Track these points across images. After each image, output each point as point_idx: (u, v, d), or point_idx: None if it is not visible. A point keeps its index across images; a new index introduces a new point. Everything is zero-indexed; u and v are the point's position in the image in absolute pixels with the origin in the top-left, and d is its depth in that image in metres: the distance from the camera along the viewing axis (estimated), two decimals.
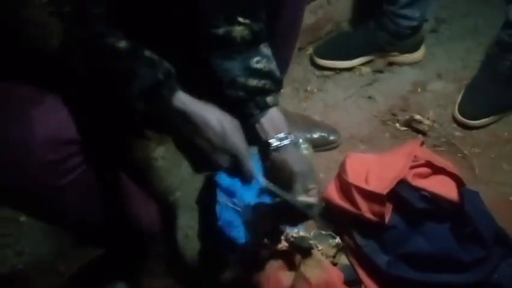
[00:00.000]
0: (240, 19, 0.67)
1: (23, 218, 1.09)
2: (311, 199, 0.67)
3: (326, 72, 1.30)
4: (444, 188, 0.88)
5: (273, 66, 0.71)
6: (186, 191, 1.09)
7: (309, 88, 1.27)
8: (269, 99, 0.69)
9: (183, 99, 0.56)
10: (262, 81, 0.68)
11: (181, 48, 0.69)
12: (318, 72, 1.31)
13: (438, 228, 0.86)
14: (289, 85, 1.27)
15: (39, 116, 0.54)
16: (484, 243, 0.82)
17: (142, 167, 1.10)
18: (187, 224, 1.04)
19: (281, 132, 0.69)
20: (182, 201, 1.09)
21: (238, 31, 0.68)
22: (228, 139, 0.57)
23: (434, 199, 0.87)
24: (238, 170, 0.60)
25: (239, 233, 0.88)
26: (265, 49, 0.70)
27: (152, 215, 0.88)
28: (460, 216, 0.85)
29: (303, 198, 0.66)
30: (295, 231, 0.85)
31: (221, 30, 0.67)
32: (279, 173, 0.68)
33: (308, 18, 1.29)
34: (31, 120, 0.54)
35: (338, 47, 1.30)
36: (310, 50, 1.33)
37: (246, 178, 0.61)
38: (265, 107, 0.69)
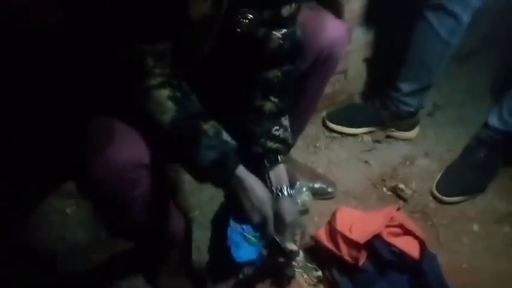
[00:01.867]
0: (272, 98, 0.94)
1: (68, 210, 1.32)
2: (294, 247, 0.93)
3: (334, 135, 1.56)
4: (410, 247, 1.10)
5: (287, 134, 0.96)
6: (203, 212, 1.33)
7: (318, 145, 1.53)
8: (279, 158, 0.94)
9: (242, 171, 0.83)
10: (277, 145, 0.94)
11: (227, 115, 0.95)
12: (327, 133, 1.56)
13: (399, 277, 1.09)
14: (302, 140, 1.52)
15: (127, 149, 0.78)
16: None
17: (173, 185, 1.34)
18: (200, 239, 1.26)
19: (282, 184, 0.94)
20: (199, 219, 1.32)
21: (268, 106, 0.94)
22: (264, 206, 0.85)
23: (400, 254, 1.08)
24: (263, 227, 0.87)
25: (243, 254, 1.06)
26: (285, 121, 0.96)
27: (179, 226, 1.11)
28: (418, 271, 1.07)
29: (289, 245, 0.92)
30: None
31: (257, 103, 0.94)
32: (275, 216, 0.92)
33: (327, 88, 1.53)
34: (119, 148, 0.78)
35: (348, 115, 1.56)
36: (324, 113, 1.58)
37: (267, 235, 0.88)
38: (275, 163, 0.94)
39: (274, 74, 0.92)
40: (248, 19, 0.82)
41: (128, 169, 0.77)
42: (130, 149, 0.78)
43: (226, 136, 0.82)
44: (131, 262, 1.20)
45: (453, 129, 1.58)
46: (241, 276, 1.13)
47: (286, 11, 0.86)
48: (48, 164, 1.19)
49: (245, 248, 1.03)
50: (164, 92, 0.75)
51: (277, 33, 0.88)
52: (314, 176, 1.37)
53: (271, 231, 0.88)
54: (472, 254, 1.22)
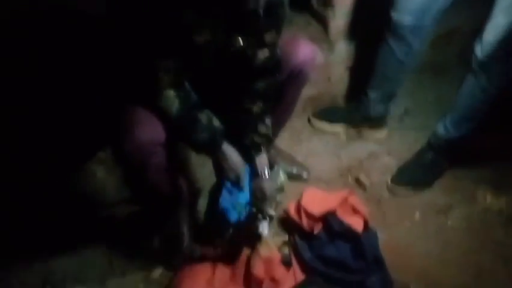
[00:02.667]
0: (258, 102, 1.26)
1: (99, 174, 1.67)
2: (272, 212, 1.26)
3: (316, 130, 1.88)
4: (356, 223, 1.42)
5: (269, 131, 1.29)
6: (204, 184, 1.64)
7: (301, 137, 1.85)
8: (262, 148, 1.27)
9: (225, 146, 1.18)
10: (261, 139, 1.27)
11: (223, 112, 1.27)
12: (310, 129, 1.88)
13: (344, 245, 1.41)
14: (288, 131, 1.83)
15: (147, 129, 1.12)
16: (366, 260, 1.38)
17: (182, 161, 1.68)
18: (200, 204, 1.60)
19: (264, 168, 1.27)
20: (201, 189, 1.66)
21: (255, 108, 1.26)
22: (238, 167, 1.20)
23: (347, 228, 1.42)
24: (237, 182, 1.21)
25: (230, 216, 1.34)
26: (268, 121, 1.28)
27: (183, 191, 1.45)
28: (358, 241, 1.41)
29: (269, 211, 1.26)
30: None
31: (246, 106, 1.26)
32: (258, 190, 1.26)
33: (313, 90, 1.86)
34: (143, 130, 1.12)
35: (329, 114, 1.87)
36: (309, 111, 1.90)
37: (240, 187, 1.22)
38: (258, 152, 1.27)
39: (260, 84, 1.24)
40: (238, 43, 1.14)
41: (149, 144, 1.13)
42: (150, 130, 1.12)
43: (215, 121, 1.17)
44: (146, 216, 1.55)
45: (416, 133, 1.85)
46: (226, 234, 1.48)
47: (269, 37, 1.17)
48: (87, 136, 1.55)
49: (232, 212, 1.32)
50: (171, 92, 1.09)
51: (262, 54, 1.19)
52: (293, 162, 1.70)
53: (243, 184, 1.24)
54: (409, 236, 1.54)
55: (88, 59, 1.36)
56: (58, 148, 1.53)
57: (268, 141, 1.31)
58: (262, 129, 1.27)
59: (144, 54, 1.05)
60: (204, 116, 1.15)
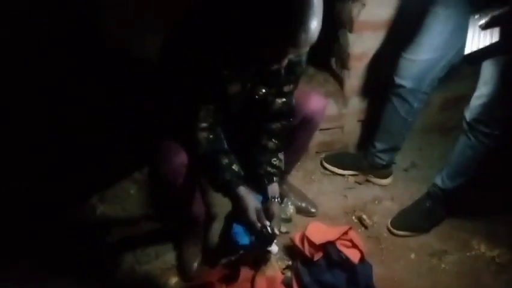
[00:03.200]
0: (273, 140, 1.49)
1: (132, 191, 1.93)
2: (277, 231, 1.45)
3: (327, 172, 2.07)
4: (352, 255, 1.58)
5: (281, 164, 1.49)
6: (220, 210, 1.86)
7: (313, 177, 2.06)
8: (274, 179, 1.48)
9: (242, 190, 1.32)
10: (274, 170, 1.48)
11: (243, 148, 1.50)
12: (322, 171, 2.08)
13: (341, 273, 1.57)
14: (302, 172, 2.06)
15: (177, 155, 1.36)
16: None
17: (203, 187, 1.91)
18: (215, 227, 1.81)
19: (275, 195, 1.47)
20: (217, 214, 1.87)
21: (270, 145, 1.48)
22: (248, 215, 1.33)
23: (345, 258, 1.58)
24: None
25: (241, 240, 1.50)
26: (281, 156, 1.50)
27: (201, 212, 1.66)
28: (354, 271, 1.56)
29: (276, 229, 1.44)
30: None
31: (263, 142, 1.49)
32: (267, 214, 1.45)
33: (327, 137, 2.09)
34: (176, 156, 1.36)
35: (340, 160, 2.07)
36: (322, 155, 2.11)
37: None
38: (271, 181, 1.48)
39: (276, 125, 1.47)
40: (262, 92, 1.39)
41: (179, 168, 1.35)
42: (180, 155, 1.35)
43: (235, 167, 1.34)
44: (167, 232, 1.77)
45: (419, 184, 2.00)
46: (237, 255, 1.66)
47: (286, 88, 1.43)
48: (126, 159, 1.83)
49: (243, 237, 1.48)
50: (203, 134, 1.30)
51: (279, 101, 1.43)
52: (303, 198, 1.89)
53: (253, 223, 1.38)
54: (403, 273, 1.68)
55: (140, 96, 1.66)
56: (101, 166, 1.81)
57: (280, 172, 1.52)
58: (275, 162, 1.48)
59: (187, 99, 1.28)
60: (225, 160, 1.30)
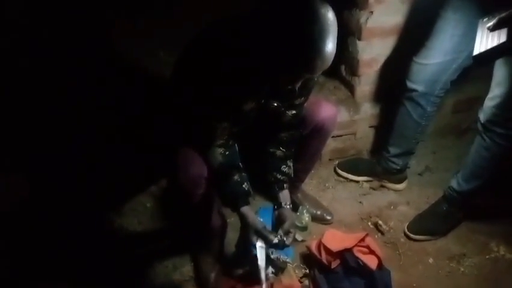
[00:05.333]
0: (281, 148, 1.50)
1: (148, 204, 1.95)
2: (289, 240, 1.44)
3: (341, 179, 2.07)
4: (370, 261, 1.58)
5: (291, 171, 1.51)
6: (236, 220, 1.85)
7: (327, 185, 2.06)
8: (284, 185, 1.50)
9: (245, 209, 1.36)
10: (283, 177, 1.49)
11: (255, 156, 1.52)
12: (336, 177, 2.08)
13: (359, 280, 1.57)
14: (316, 179, 2.06)
15: (197, 166, 1.38)
16: None
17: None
18: (232, 237, 1.81)
19: (286, 201, 1.49)
20: (233, 223, 1.84)
21: (278, 153, 1.50)
22: (249, 233, 1.38)
23: (362, 265, 1.58)
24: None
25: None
26: (289, 163, 1.51)
27: (218, 223, 1.67)
28: (372, 278, 1.56)
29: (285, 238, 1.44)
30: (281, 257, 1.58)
31: (271, 150, 1.50)
32: (279, 219, 1.47)
33: (340, 144, 2.10)
34: (195, 167, 1.38)
35: (354, 166, 2.07)
36: (336, 162, 2.11)
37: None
38: (281, 188, 1.49)
39: (285, 134, 1.49)
40: (274, 106, 1.41)
41: (197, 179, 1.38)
42: (199, 167, 1.37)
43: (245, 185, 1.37)
44: (184, 244, 1.78)
45: (434, 188, 1.99)
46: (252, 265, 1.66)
47: (298, 101, 1.44)
48: (142, 172, 1.85)
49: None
50: (219, 150, 1.35)
51: (289, 113, 1.44)
52: (318, 205, 1.90)
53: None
54: (422, 278, 1.67)
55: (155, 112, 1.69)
56: (117, 179, 1.84)
57: (290, 179, 1.52)
58: (285, 169, 1.50)
59: (204, 117, 1.31)
60: (237, 177, 1.35)
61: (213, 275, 1.65)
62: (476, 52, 1.22)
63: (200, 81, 1.22)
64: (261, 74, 1.18)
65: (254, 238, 1.38)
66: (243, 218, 1.38)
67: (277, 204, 1.49)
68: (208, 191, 1.43)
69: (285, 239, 1.41)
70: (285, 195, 1.49)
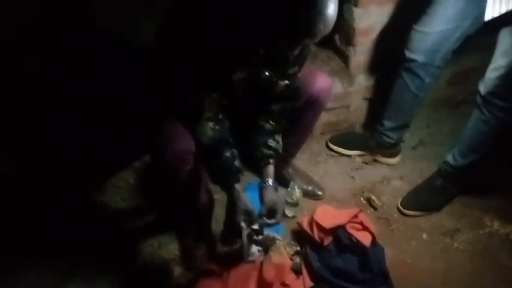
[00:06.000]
0: (271, 121, 1.41)
1: (132, 181, 1.86)
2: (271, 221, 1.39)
3: (333, 153, 2.00)
4: (363, 238, 1.53)
5: (279, 146, 1.43)
6: (222, 196, 1.78)
7: (318, 159, 1.99)
8: (270, 161, 1.42)
9: (237, 187, 1.31)
10: (269, 152, 1.42)
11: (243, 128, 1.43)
12: (328, 152, 2.01)
13: (352, 257, 1.52)
14: (307, 154, 1.99)
15: (184, 140, 1.29)
16: (372, 273, 1.48)
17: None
18: (220, 214, 1.73)
19: (268, 179, 1.42)
20: (220, 200, 1.76)
21: (267, 126, 1.42)
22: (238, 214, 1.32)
23: (355, 242, 1.53)
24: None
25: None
26: (278, 138, 1.43)
27: (206, 200, 1.60)
28: (365, 255, 1.51)
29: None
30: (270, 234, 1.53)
31: (260, 123, 1.42)
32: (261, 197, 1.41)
33: (332, 117, 2.02)
34: (181, 141, 1.28)
35: (345, 140, 2.00)
36: (328, 136, 2.03)
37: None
38: (267, 164, 1.42)
39: (276, 107, 1.40)
40: (266, 75, 1.31)
41: (184, 152, 1.28)
42: (185, 141, 1.28)
43: (237, 162, 1.30)
44: (169, 222, 1.70)
45: (428, 162, 1.95)
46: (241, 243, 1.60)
47: (291, 70, 1.35)
48: (124, 147, 1.75)
49: None
50: (210, 124, 1.25)
51: (282, 83, 1.35)
52: (309, 180, 1.83)
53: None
54: (415, 254, 1.63)
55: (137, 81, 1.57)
56: (98, 155, 1.74)
57: (277, 155, 1.45)
58: (272, 143, 1.42)
59: (189, 89, 1.22)
60: (228, 153, 1.28)
61: (200, 254, 1.59)
62: (488, 17, 1.13)
63: (186, 45, 1.13)
64: (255, 39, 1.09)
65: (242, 219, 1.33)
66: (233, 197, 1.32)
67: (261, 181, 1.43)
68: (195, 167, 1.35)
69: (267, 221, 1.39)
70: (268, 172, 1.43)
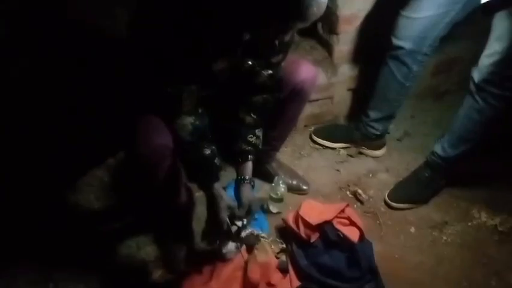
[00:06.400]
0: (252, 114, 1.34)
1: (106, 179, 1.76)
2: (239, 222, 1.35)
3: (317, 146, 1.94)
4: (351, 233, 1.47)
5: (259, 142, 1.36)
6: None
7: (302, 152, 1.92)
8: (249, 157, 1.35)
9: (217, 186, 1.25)
10: (248, 148, 1.35)
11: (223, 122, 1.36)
12: (312, 145, 1.95)
13: (339, 254, 1.46)
14: (290, 147, 1.92)
15: (162, 134, 1.20)
16: (361, 270, 1.42)
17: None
18: (201, 212, 1.65)
19: (245, 175, 1.35)
20: (202, 198, 1.71)
21: (248, 119, 1.34)
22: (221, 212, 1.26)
23: (343, 238, 1.47)
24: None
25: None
26: (258, 132, 1.36)
27: (186, 199, 1.51)
28: (353, 251, 1.45)
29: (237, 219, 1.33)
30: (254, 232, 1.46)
31: (241, 116, 1.34)
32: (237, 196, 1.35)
33: (316, 109, 1.95)
34: (159, 135, 1.19)
35: (329, 132, 1.94)
36: (311, 128, 1.97)
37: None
38: (245, 160, 1.35)
39: (257, 99, 1.33)
40: (248, 65, 1.24)
41: (162, 147, 1.20)
42: (163, 136, 1.20)
43: (217, 160, 1.24)
44: (148, 221, 1.61)
45: (414, 153, 1.91)
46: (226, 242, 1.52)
47: (275, 59, 1.27)
48: (98, 144, 1.65)
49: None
50: (189, 119, 1.17)
51: (265, 73, 1.28)
52: (294, 175, 1.76)
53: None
54: (404, 249, 1.59)
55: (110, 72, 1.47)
56: (69, 152, 1.63)
57: (257, 151, 1.38)
58: (251, 139, 1.35)
59: (169, 78, 1.13)
60: (208, 150, 1.22)
61: (181, 254, 1.51)
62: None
63: (162, 33, 1.04)
64: (241, 24, 1.02)
65: (226, 216, 1.28)
66: (213, 197, 1.26)
67: (238, 178, 1.36)
68: (174, 162, 1.27)
69: (245, 222, 1.36)
70: (246, 169, 1.37)
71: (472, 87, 1.47)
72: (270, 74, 1.29)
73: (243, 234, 1.40)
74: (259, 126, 1.36)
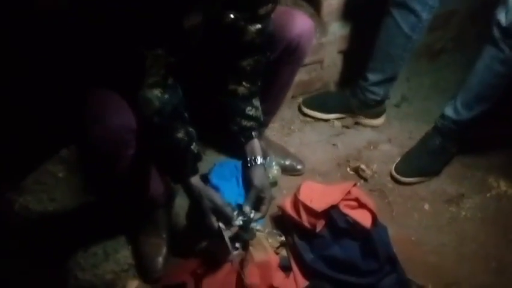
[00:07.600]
0: (244, 83, 1.08)
1: (60, 174, 1.45)
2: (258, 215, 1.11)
3: (308, 119, 1.70)
4: (362, 218, 1.24)
5: (259, 113, 1.11)
6: None
7: (292, 127, 1.67)
8: (253, 134, 1.09)
9: (195, 179, 1.01)
10: (251, 123, 1.10)
11: (207, 98, 1.09)
12: (302, 118, 1.70)
13: (351, 243, 1.23)
14: (278, 122, 1.66)
15: (119, 113, 0.92)
16: (379, 260, 1.20)
17: None
18: (181, 206, 1.39)
19: (256, 155, 1.09)
20: (181, 189, 1.45)
21: (241, 90, 1.09)
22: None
23: (353, 223, 1.23)
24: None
25: None
26: (256, 102, 1.11)
27: (159, 191, 1.24)
28: (368, 238, 1.22)
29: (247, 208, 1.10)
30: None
31: (231, 87, 1.08)
32: (248, 181, 1.08)
33: (304, 76, 1.69)
34: (114, 114, 0.92)
35: (321, 102, 1.69)
36: (300, 99, 1.72)
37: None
38: (249, 138, 1.09)
39: (247, 62, 1.07)
40: (230, 18, 0.97)
41: (122, 131, 0.93)
42: (123, 115, 0.93)
43: (194, 146, 0.99)
44: (115, 222, 1.34)
45: (416, 120, 1.72)
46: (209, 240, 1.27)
47: (263, 10, 1.00)
48: (47, 132, 1.33)
49: None
50: (155, 92, 0.90)
51: (253, 28, 1.02)
52: (285, 154, 1.51)
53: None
54: (420, 229, 1.38)
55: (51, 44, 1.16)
56: (15, 144, 1.31)
57: (259, 124, 1.15)
58: (250, 111, 1.11)
59: (126, 39, 0.87)
60: (181, 133, 0.97)
61: (160, 259, 1.24)
62: None
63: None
64: None
65: (213, 219, 1.03)
66: (191, 193, 1.03)
67: (245, 160, 1.11)
68: (139, 150, 1.00)
69: (252, 215, 1.11)
70: (254, 147, 1.12)
71: (497, 33, 1.24)
72: (259, 29, 1.03)
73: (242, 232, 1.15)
74: (255, 94, 1.11)
